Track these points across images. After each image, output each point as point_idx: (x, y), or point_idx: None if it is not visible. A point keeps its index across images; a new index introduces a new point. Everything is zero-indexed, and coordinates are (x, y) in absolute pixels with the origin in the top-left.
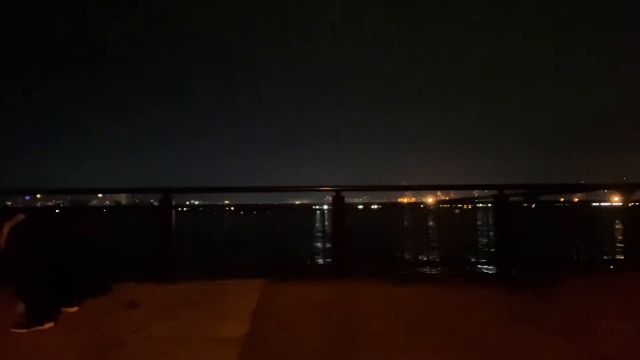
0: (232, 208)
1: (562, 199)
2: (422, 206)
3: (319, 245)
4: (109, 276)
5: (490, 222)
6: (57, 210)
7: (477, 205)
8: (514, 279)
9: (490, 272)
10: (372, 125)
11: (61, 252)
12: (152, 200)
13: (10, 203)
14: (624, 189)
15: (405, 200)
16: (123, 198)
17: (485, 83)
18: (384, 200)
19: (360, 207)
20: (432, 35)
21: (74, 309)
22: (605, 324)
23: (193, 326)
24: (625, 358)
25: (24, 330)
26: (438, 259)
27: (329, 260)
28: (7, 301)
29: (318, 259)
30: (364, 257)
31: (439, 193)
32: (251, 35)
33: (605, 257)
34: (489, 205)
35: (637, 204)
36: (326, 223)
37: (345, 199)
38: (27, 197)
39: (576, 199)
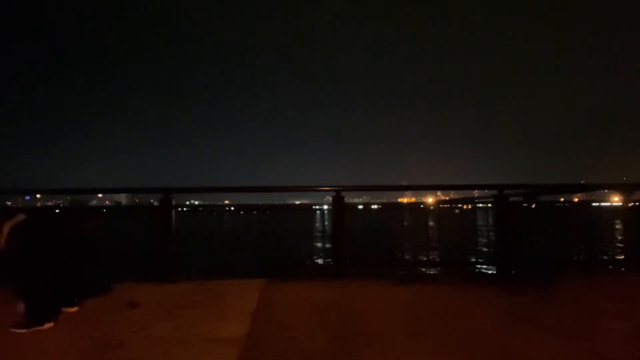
0: (232, 208)
1: (562, 199)
2: (422, 206)
3: (319, 245)
4: (109, 276)
5: (490, 222)
6: (57, 210)
7: (477, 205)
8: (514, 279)
9: (490, 272)
10: (372, 125)
11: (61, 252)
12: (152, 200)
13: (10, 203)
14: (624, 189)
15: (405, 200)
16: (123, 198)
17: (485, 83)
18: (384, 200)
19: (360, 207)
20: (432, 35)
21: (74, 309)
22: (605, 324)
23: (193, 326)
24: (625, 358)
25: (24, 330)
26: (438, 259)
27: (329, 260)
28: (7, 301)
29: (318, 259)
30: (364, 257)
31: (439, 193)
32: (251, 35)
33: (605, 257)
34: (489, 205)
35: (637, 204)
36: (326, 223)
37: (345, 199)
38: (27, 197)
39: (576, 199)
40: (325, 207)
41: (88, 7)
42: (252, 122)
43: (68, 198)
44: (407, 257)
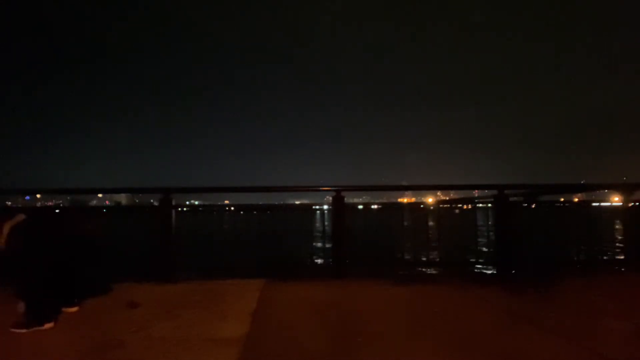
0: (232, 208)
1: (562, 199)
2: (422, 206)
3: (319, 245)
4: (109, 276)
5: (490, 222)
6: (57, 210)
7: (477, 205)
8: (514, 279)
9: (490, 272)
10: (372, 125)
11: (61, 252)
12: (152, 200)
13: (10, 203)
14: (624, 189)
15: (405, 200)
16: (123, 198)
17: (485, 83)
18: (384, 200)
19: (360, 207)
20: (432, 35)
21: (74, 309)
22: (605, 324)
23: (193, 326)
24: (625, 358)
25: (24, 330)
26: (438, 259)
27: (329, 260)
28: (7, 301)
29: (318, 259)
30: (364, 257)
31: (439, 193)
32: (251, 35)
33: (605, 257)
34: (489, 205)
35: (637, 204)
36: (326, 223)
37: (345, 199)
38: (27, 197)
39: (576, 199)
40: (325, 207)
41: (88, 7)
42: (252, 122)
43: (68, 198)
44: (407, 257)
